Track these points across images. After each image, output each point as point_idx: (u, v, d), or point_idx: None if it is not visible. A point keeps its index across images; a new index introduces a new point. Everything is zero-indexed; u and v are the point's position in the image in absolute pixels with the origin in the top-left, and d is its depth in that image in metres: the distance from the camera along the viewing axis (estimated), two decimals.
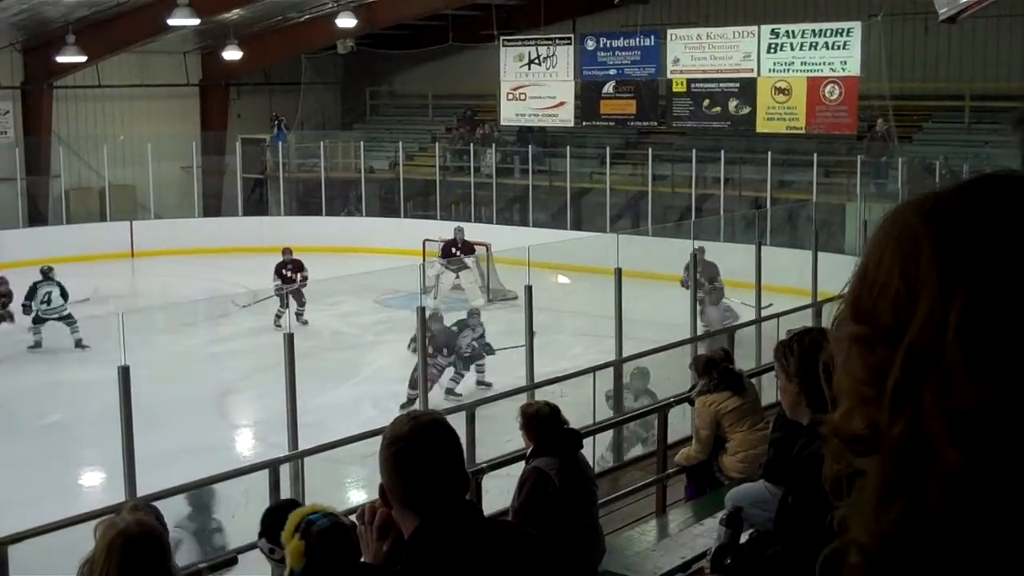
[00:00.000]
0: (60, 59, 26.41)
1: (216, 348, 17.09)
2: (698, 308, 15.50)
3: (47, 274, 17.77)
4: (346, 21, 27.30)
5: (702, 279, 16.41)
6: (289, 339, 9.45)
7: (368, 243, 25.31)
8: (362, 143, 29.19)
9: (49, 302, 17.29)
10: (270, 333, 16.49)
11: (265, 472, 8.13)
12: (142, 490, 8.26)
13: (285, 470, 8.47)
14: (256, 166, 30.28)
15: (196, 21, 24.82)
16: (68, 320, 17.31)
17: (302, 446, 9.12)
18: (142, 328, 16.73)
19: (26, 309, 17.21)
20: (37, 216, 28.38)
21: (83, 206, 28.63)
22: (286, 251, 19.94)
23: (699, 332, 13.39)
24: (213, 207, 30.18)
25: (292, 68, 31.93)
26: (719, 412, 7.77)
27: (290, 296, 17.19)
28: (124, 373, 8.54)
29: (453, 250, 21.42)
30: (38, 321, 17.25)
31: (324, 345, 16.41)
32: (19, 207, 28.15)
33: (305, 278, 18.57)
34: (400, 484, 2.58)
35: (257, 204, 30.09)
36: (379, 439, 2.63)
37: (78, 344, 16.86)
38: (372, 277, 16.29)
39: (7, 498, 10.27)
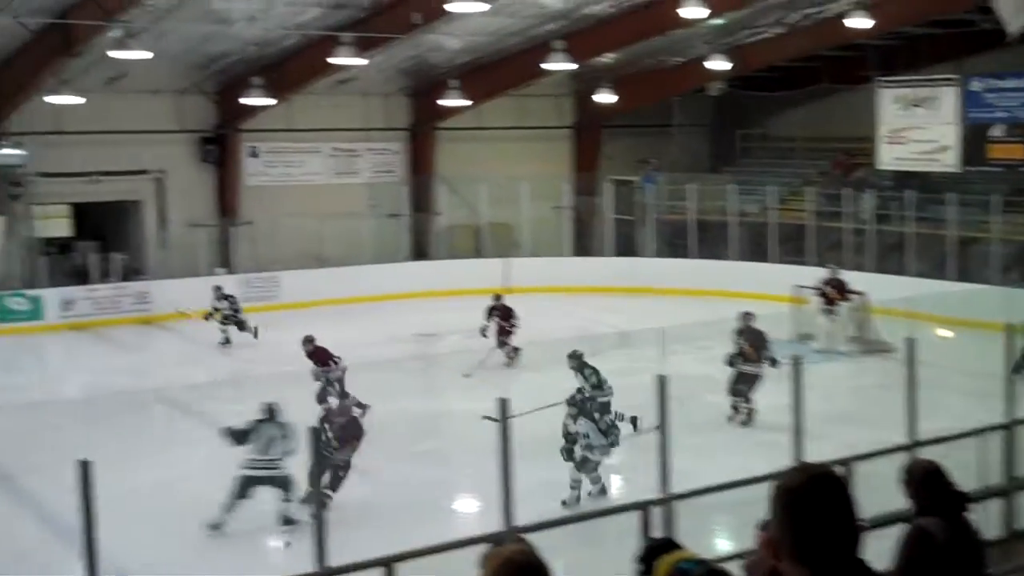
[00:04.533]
0: (444, 103, 27.86)
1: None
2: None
3: (220, 290, 22.73)
4: (718, 64, 27.28)
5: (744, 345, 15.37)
6: (661, 381, 9.45)
7: (735, 287, 25.09)
8: (733, 186, 29.00)
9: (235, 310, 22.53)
10: (635, 374, 16.61)
11: (635, 513, 8.17)
12: (516, 521, 8.51)
13: (656, 513, 8.46)
14: (625, 207, 30.72)
15: (572, 66, 25.57)
16: (236, 323, 22.44)
17: (672, 490, 9.06)
18: (516, 362, 17.47)
19: (211, 316, 22.38)
20: (421, 251, 30.08)
21: (462, 242, 30.06)
22: (497, 297, 20.58)
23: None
24: (584, 247, 30.90)
25: (661, 110, 32.26)
26: None
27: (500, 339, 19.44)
28: (503, 405, 8.82)
29: (829, 288, 20.86)
30: (225, 321, 22.33)
31: (693, 390, 16.32)
32: (405, 242, 29.97)
33: (514, 325, 19.71)
34: (792, 537, 2.53)
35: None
36: (752, 488, 2.58)
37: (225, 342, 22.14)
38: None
39: (388, 516, 10.83)
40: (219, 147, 28.31)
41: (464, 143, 30.62)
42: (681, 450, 9.00)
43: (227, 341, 22.36)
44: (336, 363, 15.15)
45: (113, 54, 21.03)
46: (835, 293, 20.76)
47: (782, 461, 6.03)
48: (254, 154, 29.03)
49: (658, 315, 21.75)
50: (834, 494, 2.56)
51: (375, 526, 10.50)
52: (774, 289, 22.98)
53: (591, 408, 12.75)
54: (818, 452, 11.49)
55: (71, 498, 6.66)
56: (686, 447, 9.34)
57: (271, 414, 11.32)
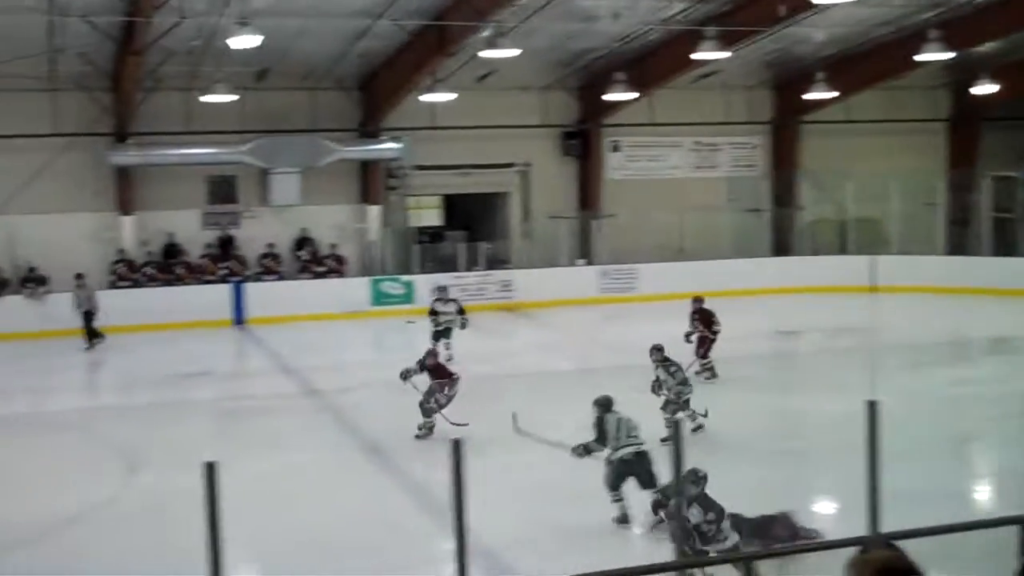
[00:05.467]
0: (809, 96, 27.14)
1: (957, 391, 16.44)
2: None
3: (444, 291, 20.05)
4: None
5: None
6: None
7: None
8: None
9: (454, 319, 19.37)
10: (1014, 381, 15.59)
11: (1014, 528, 7.59)
12: (881, 527, 8.12)
13: None
14: (1006, 204, 28.82)
15: (949, 55, 24.21)
16: (447, 335, 19.15)
17: None
18: (883, 364, 16.78)
19: (434, 322, 19.36)
20: (782, 246, 29.48)
21: (826, 238, 29.22)
22: (696, 300, 17.86)
23: None
24: (959, 245, 29.28)
25: None
26: None
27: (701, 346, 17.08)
28: (871, 407, 8.42)
29: None
30: (438, 336, 19.09)
31: None
32: (766, 237, 29.45)
33: (716, 332, 17.23)
34: None
35: None
36: None
37: (449, 359, 18.21)
38: None
39: (749, 514, 10.60)
40: (581, 141, 28.87)
41: (829, 137, 29.78)
42: None
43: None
44: (453, 379, 14.24)
45: (484, 53, 21.84)
46: None
47: None
48: (616, 148, 29.39)
49: None
50: None
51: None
52: None
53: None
54: None
55: (441, 474, 6.90)
56: None
57: (608, 407, 11.27)
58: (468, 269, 26.93)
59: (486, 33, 21.35)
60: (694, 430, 13.31)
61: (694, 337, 17.11)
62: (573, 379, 16.85)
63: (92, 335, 22.22)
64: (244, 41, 18.66)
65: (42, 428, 15.88)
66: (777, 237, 29.79)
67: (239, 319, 24.91)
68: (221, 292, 25.05)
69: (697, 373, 16.62)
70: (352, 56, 24.81)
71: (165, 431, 14.92)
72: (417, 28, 22.91)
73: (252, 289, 25.30)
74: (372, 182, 27.42)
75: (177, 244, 26.20)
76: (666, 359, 14.08)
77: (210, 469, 5.85)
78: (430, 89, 24.65)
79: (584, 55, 26.71)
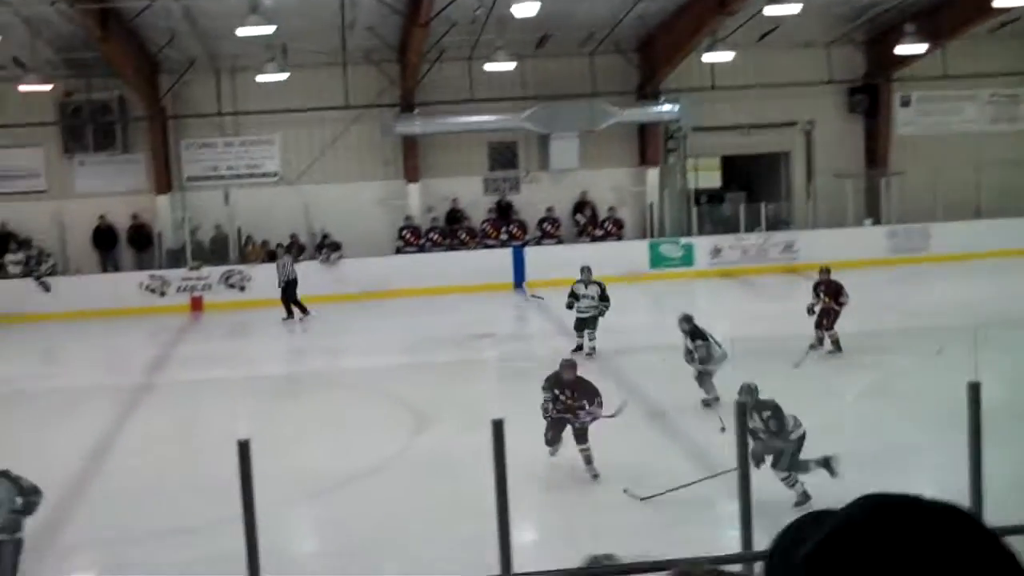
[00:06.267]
0: None
1: None
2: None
3: (585, 275, 17.80)
4: None
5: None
6: None
7: None
8: None
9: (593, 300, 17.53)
10: None
11: None
12: None
13: None
14: None
15: None
16: (591, 325, 17.45)
17: None
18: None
19: (569, 306, 17.71)
20: None
21: None
22: (823, 271, 16.90)
23: None
24: None
25: None
26: None
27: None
28: None
29: None
30: (580, 327, 17.61)
31: None
32: None
33: (842, 304, 16.32)
34: None
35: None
36: None
37: (590, 353, 17.07)
38: None
39: None
40: (868, 97, 27.80)
41: None
42: None
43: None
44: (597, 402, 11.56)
45: (766, 10, 21.31)
46: None
47: None
48: (905, 103, 28.15)
49: None
50: None
51: None
52: None
53: None
54: None
55: (723, 437, 6.81)
56: None
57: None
58: (749, 231, 26.46)
59: None
60: (704, 404, 13.31)
61: (817, 308, 16.52)
62: (857, 343, 16.28)
63: (289, 309, 22.21)
64: (525, 9, 18.93)
65: (336, 386, 16.70)
66: None
67: (520, 282, 25.37)
68: (502, 256, 25.57)
69: (821, 346, 16.35)
70: (630, 19, 24.70)
71: (452, 390, 15.38)
72: None
73: (532, 253, 25.69)
74: (650, 144, 27.29)
75: (460, 210, 26.89)
76: (694, 331, 13.74)
77: (497, 427, 6.01)
78: (709, 49, 24.29)
79: (871, 7, 25.64)
